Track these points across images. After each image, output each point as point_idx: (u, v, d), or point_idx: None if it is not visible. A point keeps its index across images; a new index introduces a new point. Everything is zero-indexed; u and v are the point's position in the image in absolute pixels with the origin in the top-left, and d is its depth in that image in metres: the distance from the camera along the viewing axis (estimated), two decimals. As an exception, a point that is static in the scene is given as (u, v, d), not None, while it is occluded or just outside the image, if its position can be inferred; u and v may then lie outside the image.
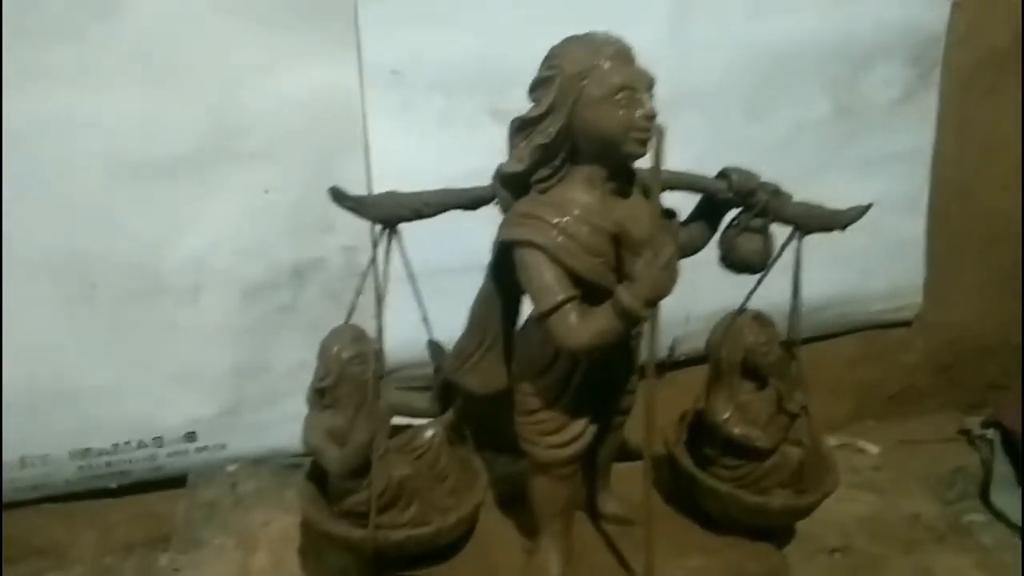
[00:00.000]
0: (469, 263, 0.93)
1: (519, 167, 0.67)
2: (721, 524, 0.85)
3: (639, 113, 0.65)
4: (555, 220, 0.66)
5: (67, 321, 0.99)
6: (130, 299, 1.01)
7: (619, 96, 0.64)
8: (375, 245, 0.74)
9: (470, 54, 1.03)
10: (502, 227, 0.69)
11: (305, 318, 1.07)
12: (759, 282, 0.82)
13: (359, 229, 1.07)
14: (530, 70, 1.06)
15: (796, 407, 0.82)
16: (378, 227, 0.74)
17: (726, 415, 0.83)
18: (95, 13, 0.88)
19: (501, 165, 0.69)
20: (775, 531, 0.88)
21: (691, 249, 0.80)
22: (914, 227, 1.33)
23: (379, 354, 0.76)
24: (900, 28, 1.21)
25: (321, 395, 0.76)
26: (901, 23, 1.19)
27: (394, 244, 0.74)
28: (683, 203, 0.80)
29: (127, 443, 1.07)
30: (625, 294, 0.62)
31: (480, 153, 1.06)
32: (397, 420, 0.81)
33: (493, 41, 1.03)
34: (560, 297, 0.65)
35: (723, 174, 0.77)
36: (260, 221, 1.02)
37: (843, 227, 0.81)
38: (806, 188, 1.19)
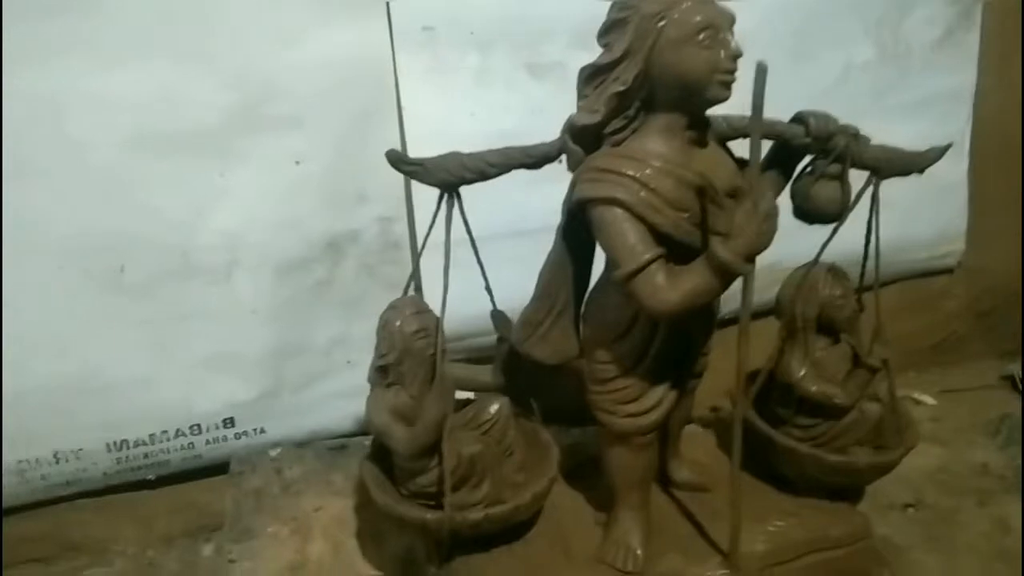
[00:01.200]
0: (513, 228, 0.88)
1: (594, 118, 0.62)
2: (797, 486, 0.82)
3: (724, 53, 0.60)
4: (635, 174, 0.61)
5: (94, 308, 0.94)
6: (159, 281, 0.96)
7: (702, 36, 0.59)
8: (436, 210, 0.69)
9: (503, 7, 0.97)
10: (576, 185, 0.64)
11: (342, 293, 1.03)
12: (835, 231, 0.78)
13: (394, 199, 1.03)
14: (567, 21, 1.02)
15: (877, 360, 0.78)
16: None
17: (802, 372, 0.80)
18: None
19: (572, 117, 0.64)
20: (847, 491, 0.85)
21: (762, 200, 0.75)
22: (956, 171, 1.29)
23: (439, 322, 0.72)
24: (940, -36, 1.17)
25: (384, 373, 0.72)
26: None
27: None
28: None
29: (164, 433, 1.02)
30: (722, 248, 0.58)
31: (518, 110, 1.02)
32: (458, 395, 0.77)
33: (526, -1, 0.98)
34: (646, 256, 0.60)
35: (799, 118, 0.73)
36: (292, 193, 0.97)
37: (921, 170, 0.77)
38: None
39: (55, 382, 0.95)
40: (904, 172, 0.76)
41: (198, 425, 1.03)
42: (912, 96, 1.20)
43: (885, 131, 1.23)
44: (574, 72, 0.96)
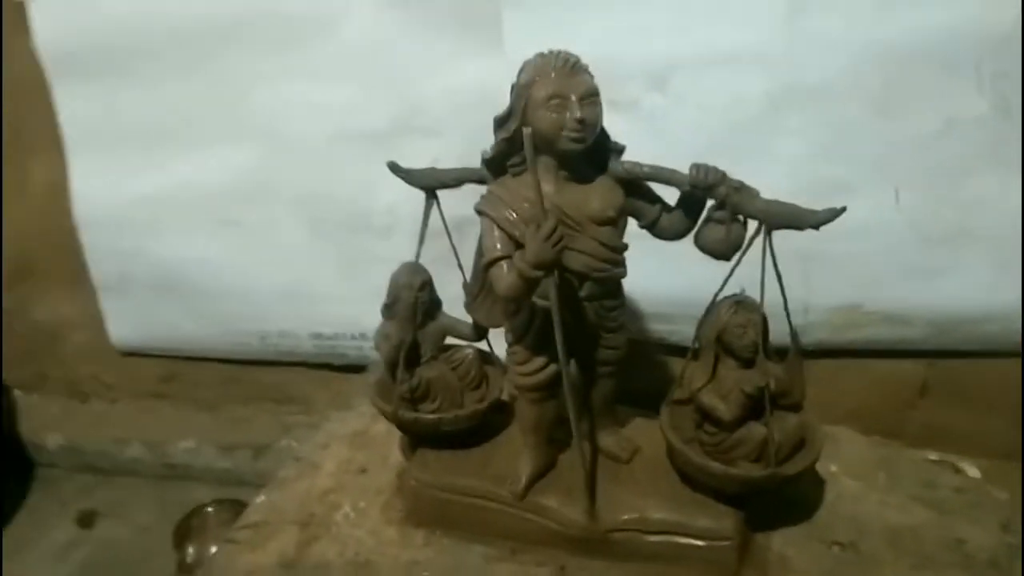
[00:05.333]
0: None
1: (490, 155, 0.88)
2: (691, 481, 0.96)
3: (569, 116, 0.81)
4: (506, 198, 0.86)
5: (309, 243, 1.44)
6: (348, 231, 1.42)
7: (552, 102, 0.81)
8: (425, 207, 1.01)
9: (592, 53, 1.20)
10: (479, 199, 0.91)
11: (464, 260, 1.37)
12: (731, 272, 0.88)
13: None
14: (643, 67, 1.22)
15: (750, 387, 0.88)
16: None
17: (699, 384, 0.93)
18: (320, 28, 1.27)
19: (482, 152, 0.91)
20: (750, 502, 0.94)
21: (672, 234, 0.91)
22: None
23: (427, 283, 1.03)
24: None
25: (387, 310, 1.06)
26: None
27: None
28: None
29: (344, 334, 1.50)
30: (517, 257, 0.81)
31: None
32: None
33: (613, 43, 1.20)
34: (496, 254, 0.85)
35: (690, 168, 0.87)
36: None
37: (814, 226, 0.83)
38: (955, 187, 1.17)
39: (283, 287, 1.48)
40: (792, 226, 0.84)
41: (364, 334, 1.48)
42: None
43: (1005, 188, 1.20)
44: (647, 109, 1.21)
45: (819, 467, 1.08)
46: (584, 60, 1.20)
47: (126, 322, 1.59)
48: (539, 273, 0.81)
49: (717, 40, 1.15)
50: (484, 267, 0.87)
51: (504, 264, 0.85)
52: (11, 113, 1.50)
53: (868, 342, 1.27)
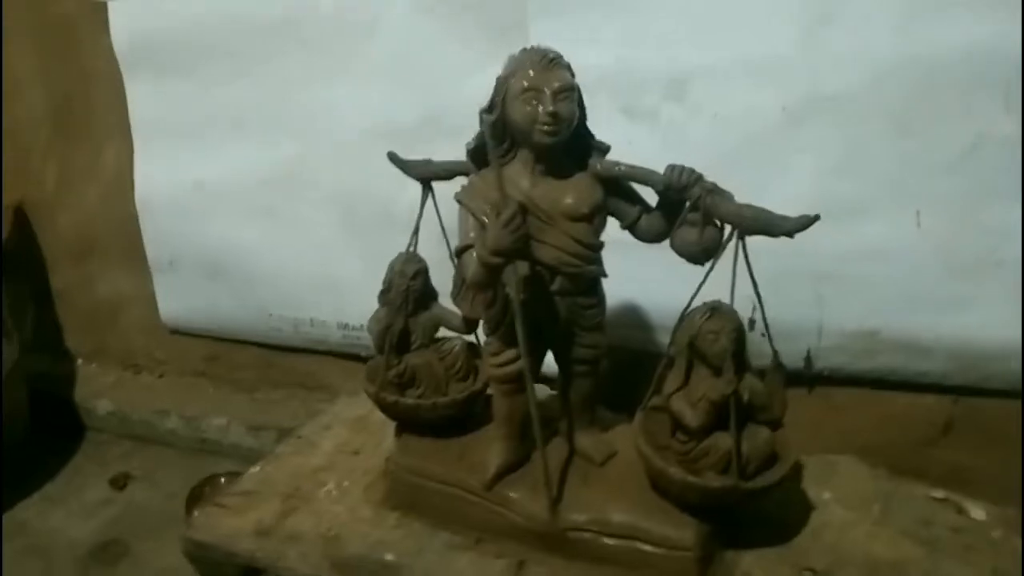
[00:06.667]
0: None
1: (473, 146, 0.91)
2: (658, 489, 0.94)
3: (542, 109, 0.83)
4: (483, 188, 0.88)
5: (341, 234, 1.50)
6: (375, 225, 1.47)
7: (525, 95, 0.83)
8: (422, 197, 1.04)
9: (611, 63, 1.22)
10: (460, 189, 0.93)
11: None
12: (705, 277, 0.87)
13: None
14: (662, 76, 1.22)
15: (716, 394, 0.87)
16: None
17: (671, 390, 0.92)
18: (359, 35, 1.34)
19: (466, 144, 0.93)
20: (718, 514, 0.92)
21: (650, 235, 0.91)
22: None
23: (420, 272, 1.06)
24: None
25: (382, 295, 1.09)
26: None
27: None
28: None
29: (369, 325, 1.54)
30: (477, 244, 0.83)
31: (614, 142, 1.27)
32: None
33: (634, 52, 1.21)
34: (468, 242, 0.87)
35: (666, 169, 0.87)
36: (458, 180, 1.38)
37: (788, 234, 0.81)
38: (981, 213, 1.13)
39: (316, 277, 1.54)
40: (764, 232, 0.82)
41: (387, 327, 1.52)
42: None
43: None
44: (665, 119, 1.22)
45: (811, 493, 1.05)
46: (605, 68, 1.23)
47: (175, 302, 1.69)
48: (498, 260, 0.83)
49: (736, 51, 1.14)
50: (456, 254, 0.89)
51: (474, 251, 0.87)
52: (91, 103, 1.64)
53: (886, 372, 1.22)
